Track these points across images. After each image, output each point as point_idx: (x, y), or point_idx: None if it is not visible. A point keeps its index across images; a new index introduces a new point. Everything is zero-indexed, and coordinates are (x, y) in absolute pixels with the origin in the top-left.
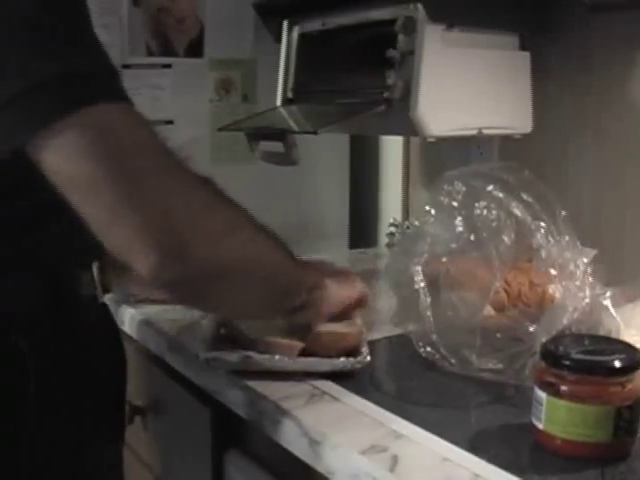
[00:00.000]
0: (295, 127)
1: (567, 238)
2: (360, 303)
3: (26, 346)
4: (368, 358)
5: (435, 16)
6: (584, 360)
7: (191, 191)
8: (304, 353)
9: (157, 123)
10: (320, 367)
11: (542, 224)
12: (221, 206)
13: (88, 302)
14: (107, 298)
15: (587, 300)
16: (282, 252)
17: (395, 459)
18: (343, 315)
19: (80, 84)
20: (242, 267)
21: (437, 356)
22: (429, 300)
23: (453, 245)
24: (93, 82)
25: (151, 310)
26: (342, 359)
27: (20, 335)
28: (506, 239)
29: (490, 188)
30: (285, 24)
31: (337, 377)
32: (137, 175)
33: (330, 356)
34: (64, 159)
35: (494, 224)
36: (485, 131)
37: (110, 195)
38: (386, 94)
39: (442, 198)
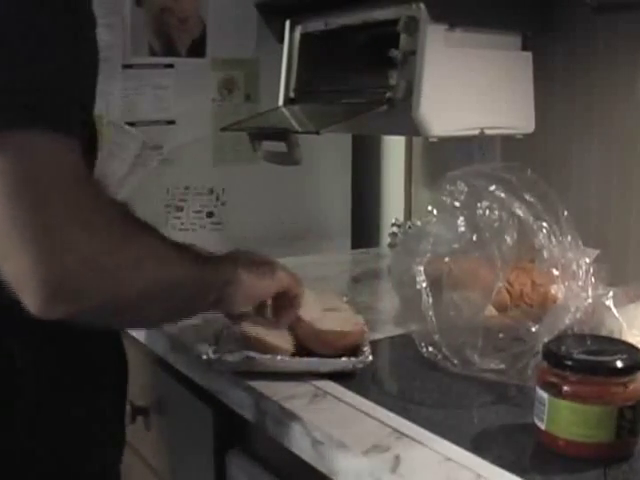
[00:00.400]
0: (297, 127)
1: (570, 238)
2: (286, 296)
3: (23, 348)
4: (370, 358)
5: (437, 16)
6: (586, 360)
7: (98, 227)
8: (306, 353)
9: (159, 123)
10: (322, 367)
11: (544, 224)
12: (128, 240)
13: None
14: None
15: (589, 300)
16: (191, 260)
17: (397, 459)
18: (262, 310)
19: (17, 106)
20: (145, 298)
21: (439, 356)
22: (431, 300)
23: (455, 245)
24: (32, 106)
25: None
26: (344, 359)
27: (18, 336)
28: (508, 239)
29: (492, 188)
30: (288, 24)
31: (339, 377)
32: (41, 207)
33: (331, 354)
34: None
35: (496, 224)
36: (487, 131)
37: (8, 222)
38: (388, 94)
39: (444, 198)
